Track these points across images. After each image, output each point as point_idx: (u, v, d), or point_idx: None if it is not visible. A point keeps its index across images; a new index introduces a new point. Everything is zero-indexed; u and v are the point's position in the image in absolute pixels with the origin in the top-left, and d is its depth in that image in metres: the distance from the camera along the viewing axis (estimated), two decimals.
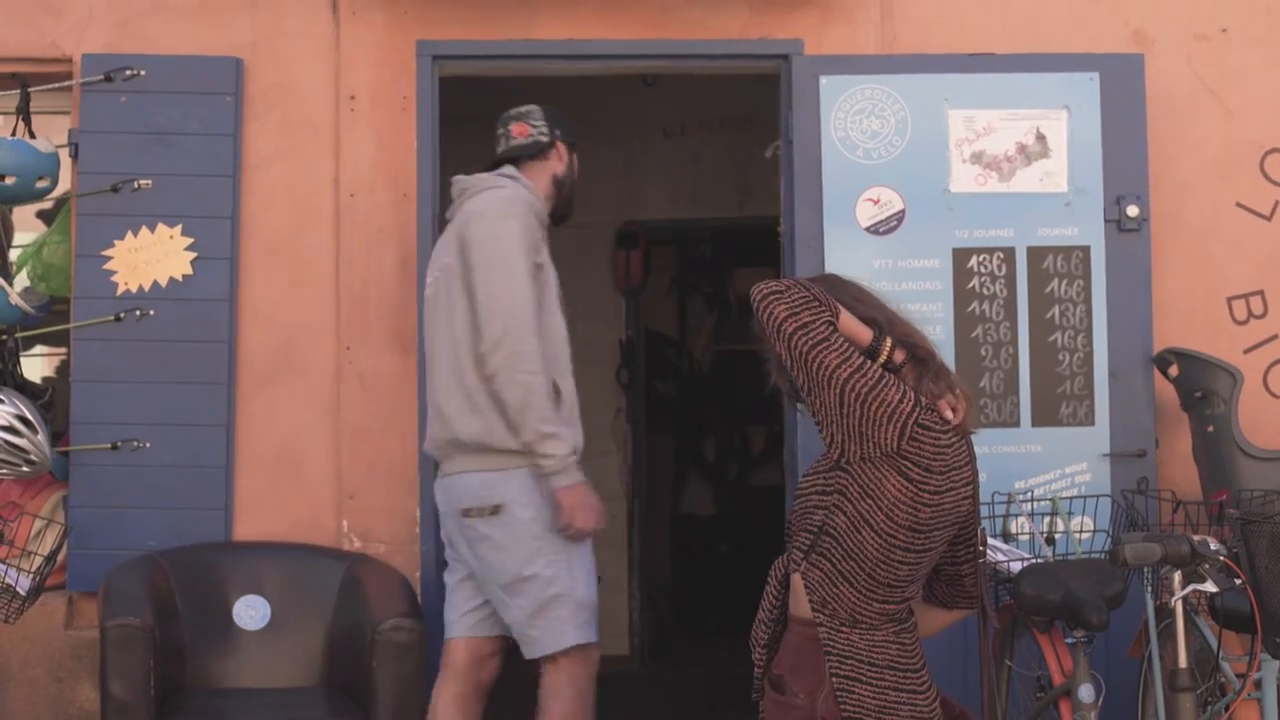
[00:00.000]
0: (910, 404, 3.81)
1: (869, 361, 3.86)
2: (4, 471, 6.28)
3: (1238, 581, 4.40)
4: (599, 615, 5.66)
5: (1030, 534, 5.80)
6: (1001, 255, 6.40)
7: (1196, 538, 4.38)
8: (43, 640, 6.37)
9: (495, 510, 5.49)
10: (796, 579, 3.92)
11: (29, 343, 6.85)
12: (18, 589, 5.77)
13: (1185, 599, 4.41)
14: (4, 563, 5.80)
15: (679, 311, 11.94)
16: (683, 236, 11.52)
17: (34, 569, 5.84)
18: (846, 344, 3.86)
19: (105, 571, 6.05)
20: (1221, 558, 4.33)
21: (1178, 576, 4.34)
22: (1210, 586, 4.33)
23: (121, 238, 6.44)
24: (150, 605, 5.75)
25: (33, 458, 6.26)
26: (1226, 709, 4.93)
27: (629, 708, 9.00)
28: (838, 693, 3.81)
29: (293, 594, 6.11)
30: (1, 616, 5.72)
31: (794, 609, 3.93)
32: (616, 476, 10.62)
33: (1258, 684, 5.03)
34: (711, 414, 11.85)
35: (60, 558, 6.10)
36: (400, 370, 6.47)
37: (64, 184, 6.69)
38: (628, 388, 10.70)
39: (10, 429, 6.09)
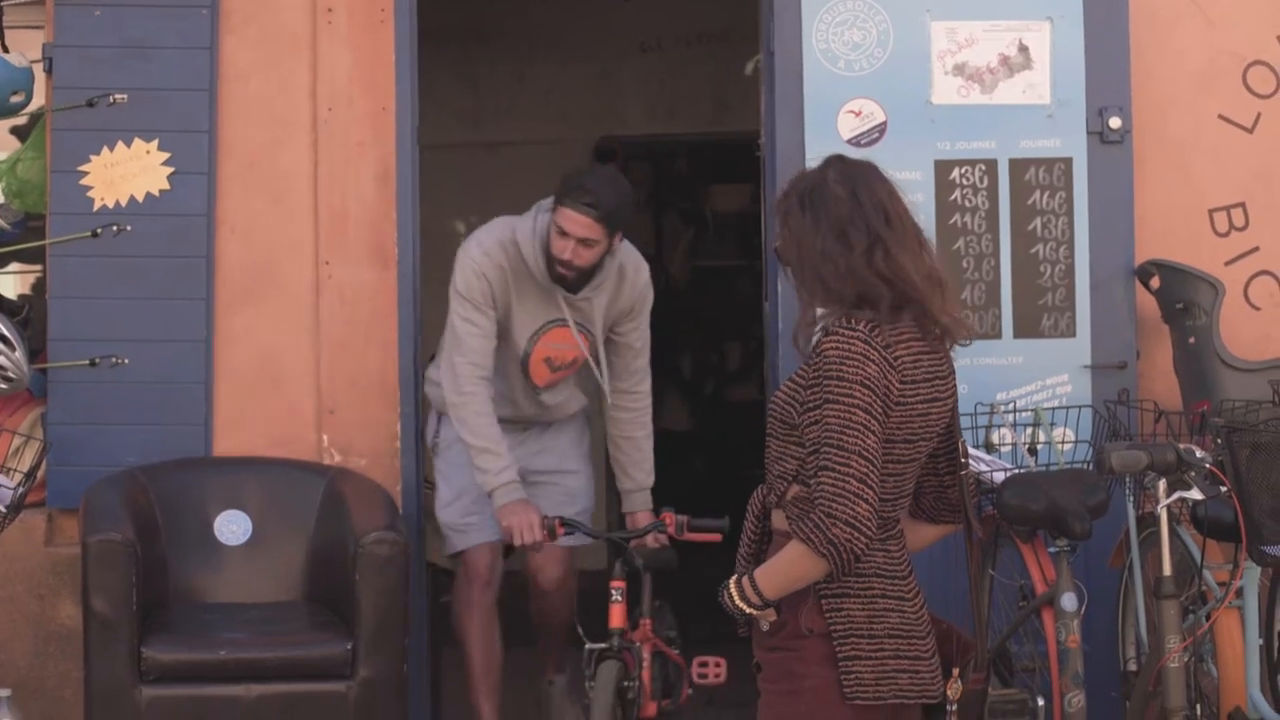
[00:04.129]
0: (882, 369, 3.75)
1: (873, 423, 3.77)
2: None
3: (1223, 489, 4.41)
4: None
5: (1013, 445, 5.82)
6: (983, 167, 6.38)
7: (1182, 446, 4.38)
8: (23, 558, 6.34)
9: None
10: (778, 511, 3.91)
11: (4, 260, 6.81)
12: None
13: (1169, 507, 4.41)
14: None
15: (655, 227, 11.91)
16: (659, 152, 11.48)
17: (13, 486, 5.83)
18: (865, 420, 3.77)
19: (85, 488, 6.02)
20: (1207, 465, 4.34)
21: (1163, 484, 4.35)
22: (1196, 494, 4.34)
23: (97, 153, 6.38)
24: (131, 520, 5.74)
25: (10, 375, 6.24)
26: (1208, 617, 4.95)
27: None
28: (826, 610, 3.81)
29: (274, 509, 6.10)
30: None
31: (776, 524, 3.92)
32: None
33: (1239, 593, 5.06)
34: (688, 330, 11.85)
35: (40, 474, 6.08)
36: (380, 284, 6.44)
37: (39, 99, 6.62)
38: None
39: None
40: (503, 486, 5.67)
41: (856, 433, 3.71)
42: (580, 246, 5.66)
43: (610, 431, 6.14)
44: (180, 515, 6.05)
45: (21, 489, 5.82)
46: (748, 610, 3.83)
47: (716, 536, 5.54)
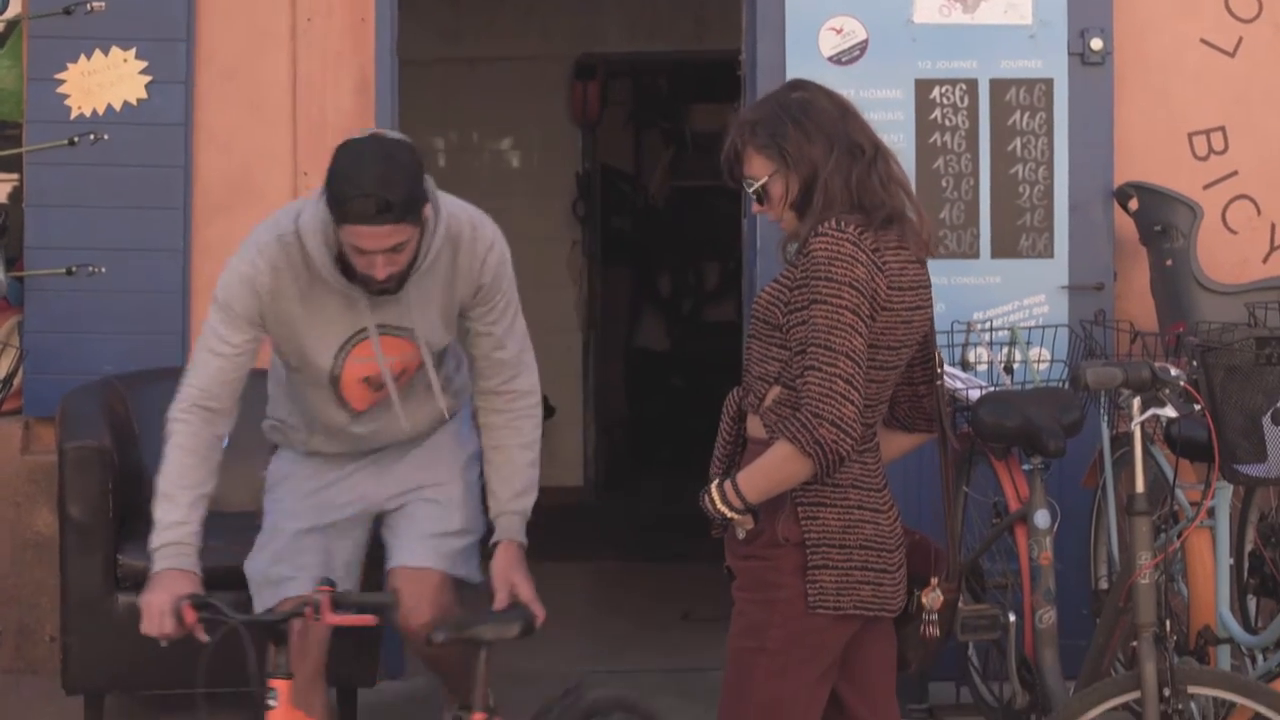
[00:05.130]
0: (871, 271, 3.77)
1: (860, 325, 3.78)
2: None
3: (1196, 407, 4.43)
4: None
5: (989, 363, 5.84)
6: (964, 87, 6.37)
7: (1157, 364, 4.40)
8: None
9: None
10: (754, 418, 3.92)
11: None
12: None
13: (1142, 425, 4.43)
14: None
15: (635, 147, 11.90)
16: (640, 69, 11.46)
17: None
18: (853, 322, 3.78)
19: (61, 396, 6.01)
20: (1181, 383, 4.35)
21: (1137, 402, 4.36)
22: (1170, 411, 4.35)
23: (74, 61, 6.35)
24: (108, 428, 5.73)
25: None
26: (1179, 536, 4.99)
27: (583, 536, 9.09)
28: (802, 519, 3.83)
29: (250, 418, 6.08)
30: None
31: (752, 431, 3.94)
32: (572, 309, 10.66)
33: (1211, 512, 5.09)
34: (667, 250, 11.86)
35: (16, 383, 6.09)
36: None
37: (14, 7, 6.57)
38: (584, 221, 10.69)
39: None
40: (164, 548, 4.35)
41: (844, 333, 3.72)
42: (392, 255, 4.25)
43: (482, 442, 4.73)
44: (157, 424, 5.96)
45: (0, 396, 5.84)
46: (729, 514, 3.85)
47: (370, 620, 4.13)
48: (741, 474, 3.84)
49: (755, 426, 3.90)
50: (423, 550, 4.64)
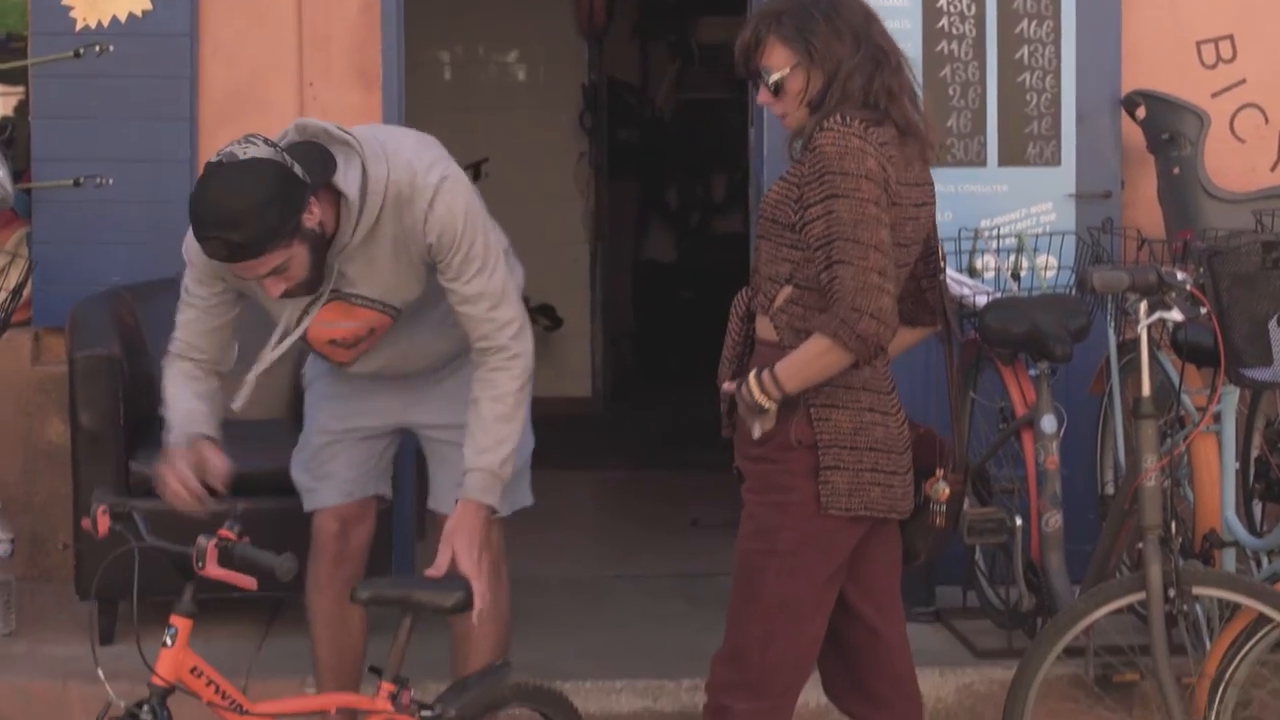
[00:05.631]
0: (881, 164, 3.77)
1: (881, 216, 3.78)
2: None
3: (1202, 311, 4.44)
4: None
5: (996, 270, 5.85)
6: None
7: (1163, 268, 4.42)
8: (9, 375, 6.39)
9: None
10: (764, 319, 3.93)
11: None
12: None
13: (1149, 329, 4.45)
14: None
15: (641, 59, 11.85)
16: None
17: None
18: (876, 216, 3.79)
19: (71, 306, 6.03)
20: (1188, 287, 4.36)
21: (1143, 305, 4.38)
22: (1176, 315, 4.36)
23: None
24: (118, 337, 5.76)
25: None
26: (1185, 440, 5.01)
27: (592, 446, 9.13)
28: (814, 421, 3.86)
29: (259, 327, 6.11)
30: None
31: (761, 333, 3.95)
32: (579, 221, 10.66)
33: (1216, 417, 5.12)
34: (674, 162, 11.84)
35: (26, 294, 6.11)
36: (363, 107, 6.41)
37: None
38: (590, 133, 10.67)
39: None
40: (175, 432, 4.36)
41: (870, 226, 3.73)
42: (275, 278, 4.09)
43: None
44: (166, 333, 5.99)
45: (10, 306, 5.86)
46: (766, 404, 3.84)
47: (250, 583, 3.82)
48: (780, 365, 3.83)
49: (765, 328, 3.92)
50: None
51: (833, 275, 3.74)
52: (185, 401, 4.40)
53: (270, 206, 3.93)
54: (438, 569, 4.12)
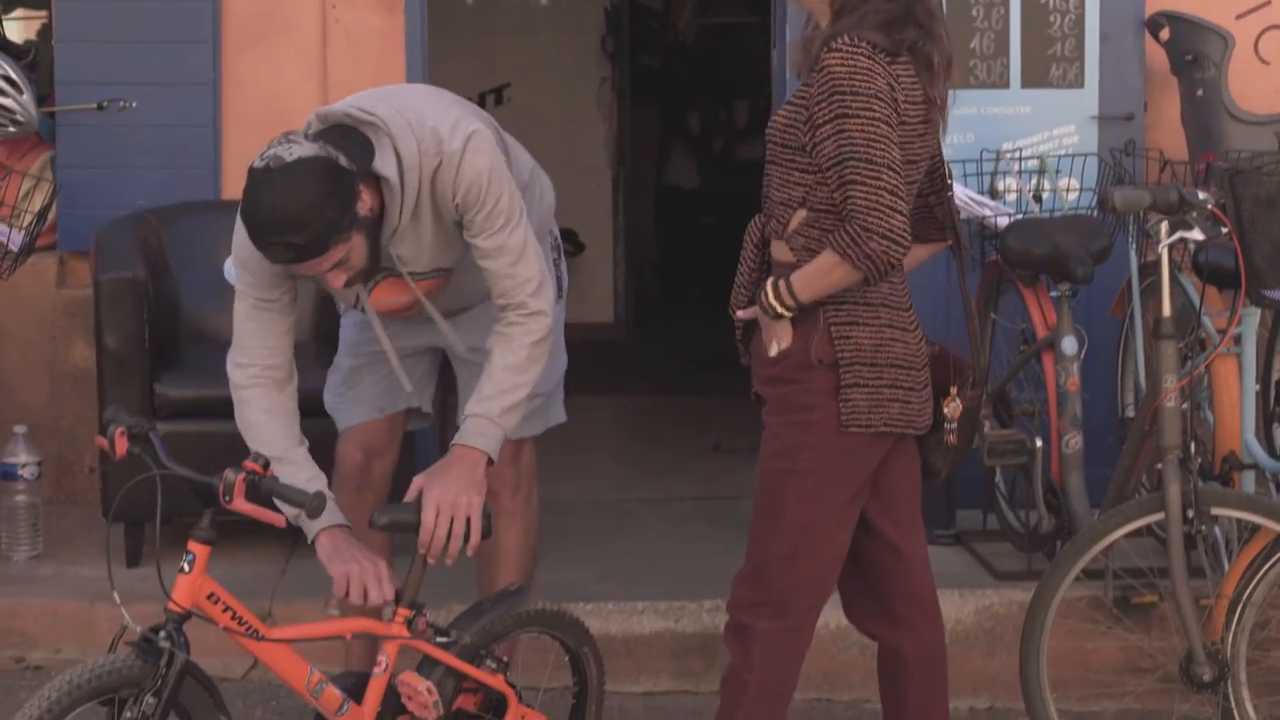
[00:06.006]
0: (889, 83, 3.77)
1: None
2: None
3: (1223, 230, 4.44)
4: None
5: (1018, 192, 5.84)
6: None
7: (1185, 188, 4.41)
8: (35, 300, 6.42)
9: None
10: (779, 243, 3.94)
11: (9, 4, 6.77)
12: (10, 245, 5.82)
13: (1170, 251, 4.45)
14: None
15: None
16: None
17: (24, 226, 5.88)
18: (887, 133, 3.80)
19: (95, 230, 6.05)
20: (1209, 206, 4.36)
21: (1165, 225, 4.38)
22: (1197, 234, 4.36)
23: None
24: (142, 260, 5.78)
25: (19, 118, 6.28)
26: (1206, 362, 5.02)
27: (615, 371, 9.16)
28: (835, 339, 3.87)
29: None
30: None
31: (777, 255, 3.95)
32: (601, 146, 10.64)
33: (1237, 339, 5.12)
34: (696, 87, 11.81)
35: (50, 218, 6.13)
36: (387, 28, 6.41)
37: None
38: (613, 57, 10.64)
39: None
40: (313, 510, 3.92)
41: (883, 146, 3.74)
42: (338, 271, 4.05)
43: None
44: (191, 257, 6.09)
45: (35, 230, 5.89)
46: (780, 310, 3.85)
47: (278, 519, 3.83)
48: (795, 275, 3.84)
49: (781, 251, 3.93)
50: None
51: (845, 195, 3.75)
52: (302, 460, 4.21)
53: (328, 203, 3.88)
54: (408, 498, 4.07)
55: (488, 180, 4.17)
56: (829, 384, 3.88)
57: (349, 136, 4.06)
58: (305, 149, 3.91)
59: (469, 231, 4.22)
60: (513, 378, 4.22)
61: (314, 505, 3.77)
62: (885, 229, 3.72)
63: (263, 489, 3.73)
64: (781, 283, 3.84)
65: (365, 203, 4.02)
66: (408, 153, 4.09)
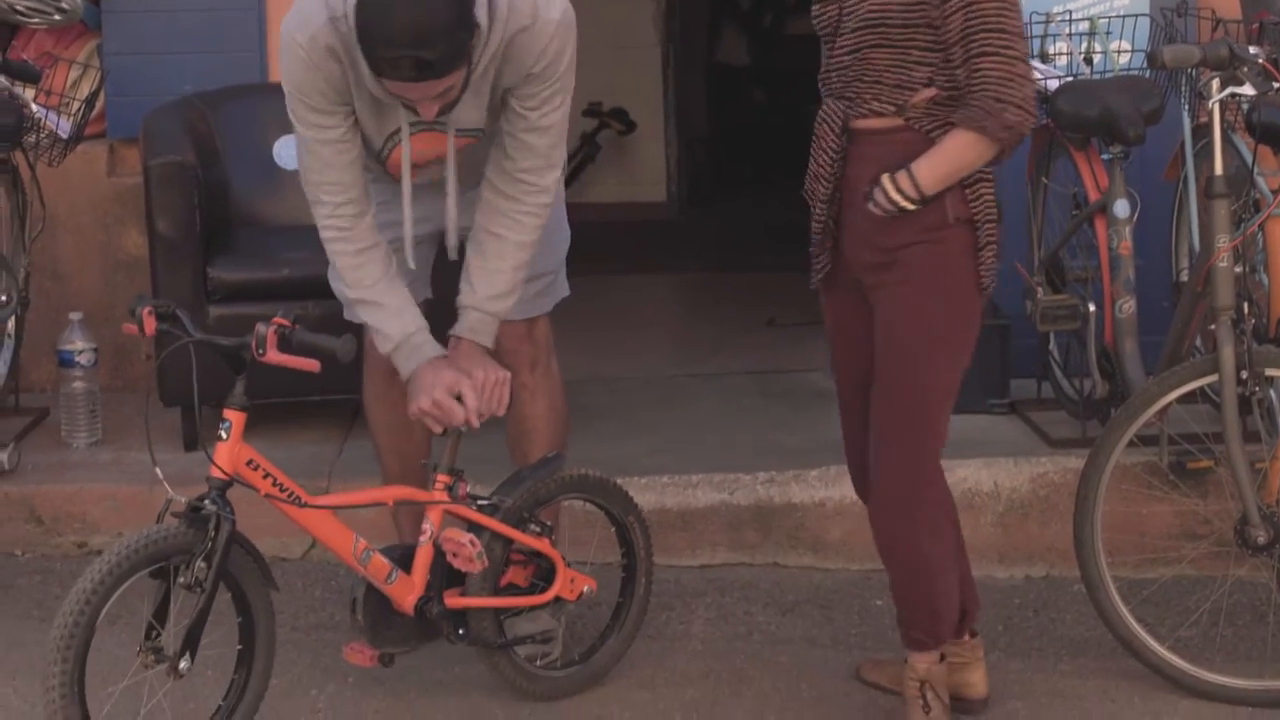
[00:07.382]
0: None
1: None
2: (36, 20, 6.32)
3: (1275, 86, 4.38)
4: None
5: (1069, 55, 5.77)
6: None
7: (1236, 43, 4.35)
8: (87, 188, 6.44)
9: None
10: (879, 119, 3.88)
11: None
12: (59, 132, 5.84)
13: (1222, 110, 4.40)
14: (45, 108, 5.85)
15: None
16: None
17: (73, 113, 5.90)
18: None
19: (143, 116, 6.06)
20: (1260, 60, 4.30)
21: (1216, 81, 4.32)
22: (1248, 89, 4.30)
23: None
24: (191, 145, 5.78)
25: (64, 5, 6.30)
26: (1259, 222, 4.97)
27: (668, 249, 9.14)
28: (969, 198, 3.84)
29: None
30: (46, 160, 5.80)
31: (879, 124, 3.88)
32: (650, 22, 10.56)
33: None
34: None
35: (99, 106, 6.14)
36: None
37: None
38: None
39: None
40: (399, 348, 4.18)
41: (1013, 14, 3.76)
42: (440, 100, 3.93)
43: (476, 220, 4.28)
44: (239, 141, 6.09)
45: (84, 117, 5.90)
46: (905, 204, 3.81)
47: (312, 365, 3.77)
48: (916, 164, 3.79)
49: (869, 122, 3.88)
50: None
51: (974, 68, 3.73)
52: (383, 289, 4.21)
53: (462, 25, 3.79)
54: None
55: (568, 60, 4.11)
56: (966, 243, 3.88)
57: None
58: None
59: (525, 103, 4.12)
60: (518, 275, 4.23)
61: (345, 349, 3.73)
62: (1020, 99, 3.73)
63: (294, 340, 3.74)
64: (902, 175, 3.80)
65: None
66: (501, 5, 3.97)
